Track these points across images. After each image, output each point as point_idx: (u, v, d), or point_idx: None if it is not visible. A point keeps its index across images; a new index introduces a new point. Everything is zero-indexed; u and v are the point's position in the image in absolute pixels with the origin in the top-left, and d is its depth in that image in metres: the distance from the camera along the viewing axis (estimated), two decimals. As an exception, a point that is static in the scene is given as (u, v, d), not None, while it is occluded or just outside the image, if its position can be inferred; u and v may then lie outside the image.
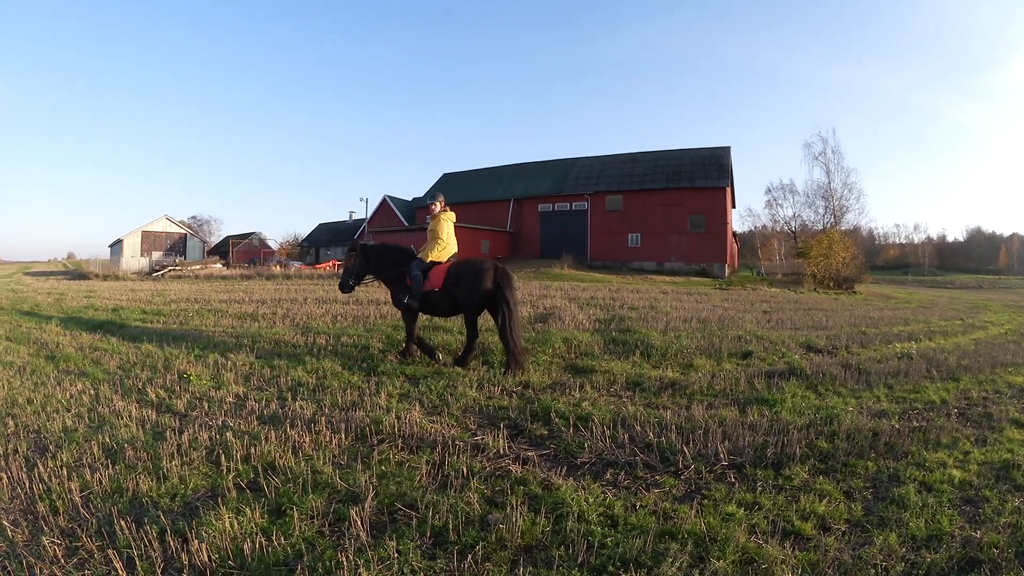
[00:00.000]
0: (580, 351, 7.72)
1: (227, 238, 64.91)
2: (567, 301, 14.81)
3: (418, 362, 6.95)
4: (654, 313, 12.42)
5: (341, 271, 7.89)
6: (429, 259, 7.06)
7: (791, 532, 2.97)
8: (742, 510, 3.15)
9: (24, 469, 3.90)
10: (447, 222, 7.24)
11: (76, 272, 47.42)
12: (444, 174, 54.59)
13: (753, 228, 58.49)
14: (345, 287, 7.36)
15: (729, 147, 40.13)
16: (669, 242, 37.54)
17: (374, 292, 17.33)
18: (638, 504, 3.21)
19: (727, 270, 36.38)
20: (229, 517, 2.99)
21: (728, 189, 38.03)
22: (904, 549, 2.82)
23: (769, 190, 54.78)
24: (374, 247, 7.51)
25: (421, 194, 54.04)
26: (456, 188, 50.37)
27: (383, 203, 54.24)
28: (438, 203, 7.39)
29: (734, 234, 43.07)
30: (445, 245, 7.17)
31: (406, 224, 49.65)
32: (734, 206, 43.63)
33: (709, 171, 38.16)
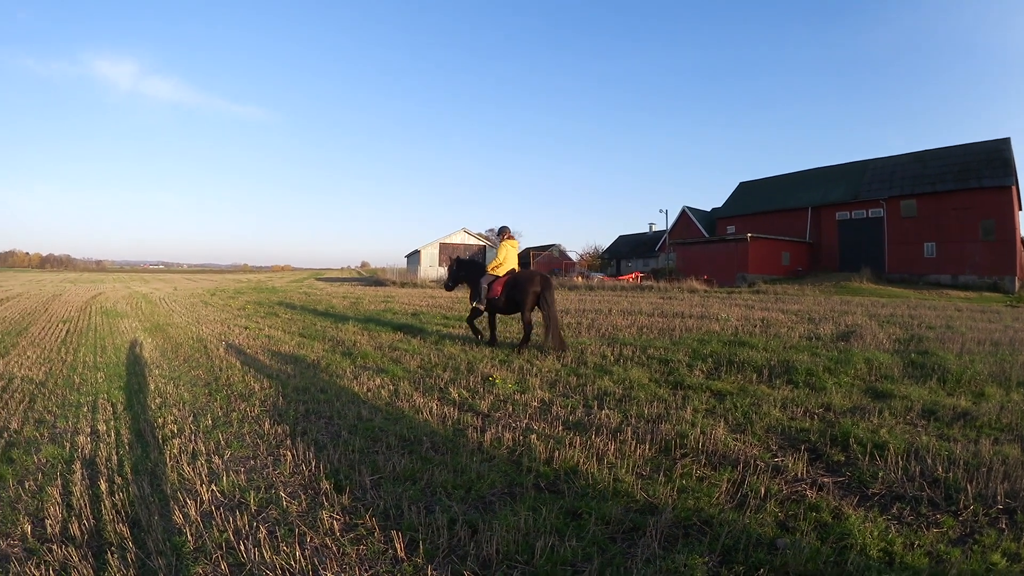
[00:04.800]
0: (880, 373, 7.28)
1: (527, 249, 67.21)
2: (867, 318, 14.30)
3: (722, 379, 6.97)
4: (950, 333, 11.34)
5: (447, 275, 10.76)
6: (493, 273, 9.49)
7: (1040, 590, 2.66)
8: (1005, 560, 2.89)
9: (312, 450, 4.28)
10: (511, 248, 9.61)
11: (371, 279, 52.68)
12: (741, 183, 53.41)
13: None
14: (447, 287, 10.25)
15: (1009, 138, 34.25)
16: (964, 251, 33.18)
17: (678, 305, 18.30)
18: (916, 543, 3.08)
19: (1017, 283, 30.99)
20: (525, 514, 3.20)
21: (1014, 188, 32.40)
22: None
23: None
24: (464, 261, 10.20)
25: (720, 204, 53.56)
26: (753, 197, 49.51)
27: (682, 214, 54.41)
28: (504, 234, 9.87)
29: (1022, 240, 34.11)
30: (501, 264, 9.51)
31: (706, 235, 49.07)
32: (1020, 207, 35.91)
33: (994, 168, 32.93)
